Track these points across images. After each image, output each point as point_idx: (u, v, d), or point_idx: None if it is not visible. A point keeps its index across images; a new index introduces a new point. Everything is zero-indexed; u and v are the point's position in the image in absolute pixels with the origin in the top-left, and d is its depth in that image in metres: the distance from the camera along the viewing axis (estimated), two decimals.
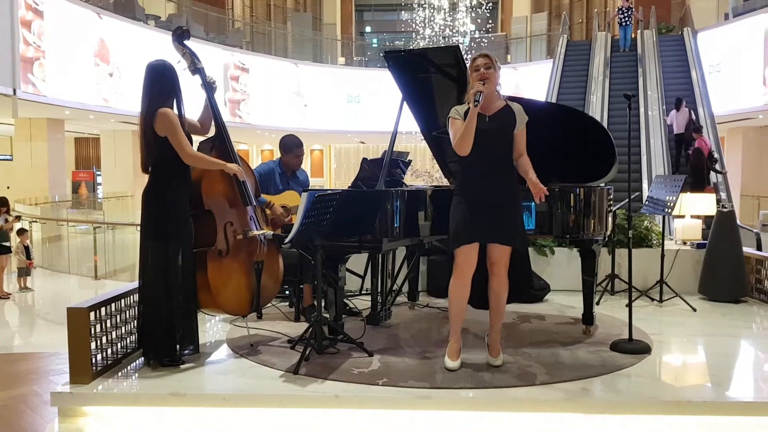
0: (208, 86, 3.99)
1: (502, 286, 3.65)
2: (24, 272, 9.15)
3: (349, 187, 4.81)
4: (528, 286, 5.46)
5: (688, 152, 10.79)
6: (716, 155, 10.73)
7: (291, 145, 5.01)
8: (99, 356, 3.58)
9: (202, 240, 3.86)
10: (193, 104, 4.05)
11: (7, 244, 8.84)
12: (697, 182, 10.10)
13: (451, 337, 3.68)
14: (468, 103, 3.54)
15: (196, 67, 3.99)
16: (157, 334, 3.68)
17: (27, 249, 9.27)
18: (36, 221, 11.73)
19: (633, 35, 15.96)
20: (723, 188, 10.42)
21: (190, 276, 3.76)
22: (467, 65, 4.15)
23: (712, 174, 10.59)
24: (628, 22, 15.72)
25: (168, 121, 3.62)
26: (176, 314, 3.69)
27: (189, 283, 3.75)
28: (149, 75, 3.74)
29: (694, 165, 10.41)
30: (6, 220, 8.86)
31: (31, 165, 15.23)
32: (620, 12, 15.86)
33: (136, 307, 3.83)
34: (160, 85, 3.72)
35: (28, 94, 12.30)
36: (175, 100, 3.75)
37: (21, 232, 9.35)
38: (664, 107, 12.50)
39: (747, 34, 15.03)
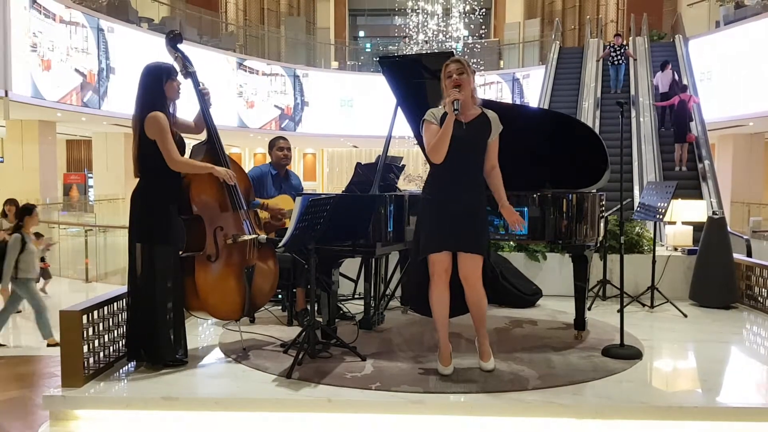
0: (199, 90, 3.99)
1: (479, 296, 3.64)
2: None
3: (343, 191, 4.82)
4: (518, 291, 5.49)
5: (673, 109, 11.84)
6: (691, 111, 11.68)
7: (275, 140, 5.17)
8: (91, 359, 3.57)
9: (192, 244, 3.86)
10: (191, 104, 4.05)
11: None
12: (681, 131, 11.22)
13: (439, 343, 3.68)
14: (444, 107, 3.53)
15: (188, 71, 3.98)
16: (151, 336, 3.67)
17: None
18: None
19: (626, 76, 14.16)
20: (713, 194, 10.50)
21: (178, 279, 3.75)
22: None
23: (692, 125, 11.62)
24: (620, 61, 13.90)
25: (157, 125, 3.62)
26: (165, 316, 3.68)
27: (177, 286, 3.74)
28: (144, 77, 3.74)
29: (678, 114, 11.40)
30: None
31: (22, 167, 15.15)
32: (611, 49, 14.03)
33: (125, 311, 3.82)
34: (154, 87, 3.72)
35: (19, 95, 12.26)
36: (168, 104, 3.75)
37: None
38: (656, 113, 12.60)
39: (738, 42, 15.14)
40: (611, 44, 14.20)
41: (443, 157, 3.49)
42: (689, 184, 10.71)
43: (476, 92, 3.66)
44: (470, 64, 3.64)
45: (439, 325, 3.66)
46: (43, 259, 9.08)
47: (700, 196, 10.34)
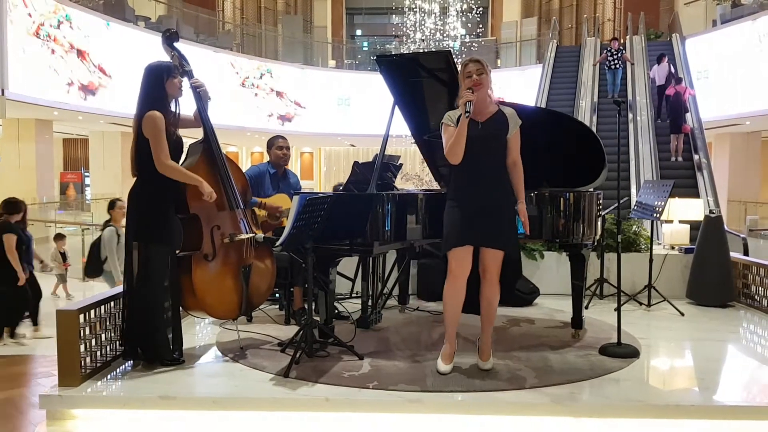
0: (195, 88, 3.98)
1: (493, 292, 3.67)
2: (62, 279, 8.77)
3: (340, 189, 4.82)
4: (516, 290, 5.50)
5: (669, 100, 12.06)
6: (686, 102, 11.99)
7: (273, 139, 5.14)
8: (88, 359, 3.56)
9: (189, 244, 3.85)
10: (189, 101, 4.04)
11: None
12: (676, 122, 11.58)
13: (445, 341, 3.69)
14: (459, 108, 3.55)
15: (184, 70, 3.97)
16: (148, 336, 3.67)
17: (63, 255, 8.83)
18: None
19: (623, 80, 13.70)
20: (710, 193, 10.53)
21: (175, 279, 3.74)
22: (458, 70, 4.17)
23: (687, 116, 11.91)
24: (617, 65, 13.32)
25: (153, 125, 3.61)
26: (162, 315, 3.67)
27: (174, 285, 3.74)
28: (146, 77, 3.74)
29: (673, 105, 11.73)
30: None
31: (18, 166, 15.12)
32: (608, 53, 13.42)
33: (122, 310, 3.81)
34: (156, 86, 3.72)
35: (16, 94, 12.23)
36: (170, 102, 3.75)
37: (58, 237, 8.94)
38: (653, 112, 12.62)
39: (735, 41, 15.17)
40: (608, 48, 13.63)
41: (460, 158, 3.51)
42: (685, 174, 11.01)
43: (492, 90, 3.65)
44: (487, 63, 3.63)
45: (448, 322, 3.67)
46: (65, 258, 8.88)
47: (695, 186, 10.62)
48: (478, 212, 3.54)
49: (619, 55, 13.37)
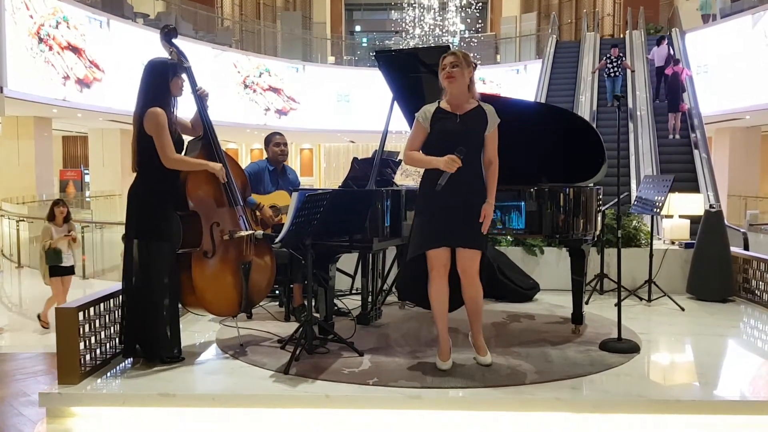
0: (194, 84, 3.97)
1: (476, 290, 3.62)
2: None
3: (339, 186, 4.81)
4: (515, 285, 5.50)
5: (666, 81, 12.69)
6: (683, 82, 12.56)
7: (271, 135, 5.14)
8: (87, 356, 3.56)
9: (188, 241, 3.84)
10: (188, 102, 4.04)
11: (65, 264, 7.12)
12: (674, 101, 12.10)
13: (439, 338, 3.68)
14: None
15: (183, 66, 3.96)
16: (148, 333, 3.66)
17: None
18: (23, 220, 11.63)
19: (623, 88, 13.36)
20: (710, 187, 10.53)
21: (175, 276, 3.74)
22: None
23: (685, 95, 12.47)
24: (617, 73, 13.04)
25: (156, 121, 3.60)
26: (162, 313, 3.67)
27: (173, 283, 3.73)
28: (148, 73, 3.73)
29: (670, 85, 12.30)
30: (69, 232, 7.10)
31: (18, 163, 15.12)
32: (608, 60, 13.12)
33: (121, 308, 3.80)
34: (159, 83, 3.71)
35: (15, 91, 12.22)
36: (170, 99, 3.74)
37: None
38: (652, 106, 12.63)
39: (734, 35, 15.14)
40: (608, 56, 13.29)
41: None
42: (682, 150, 11.52)
43: (474, 85, 3.61)
44: (469, 56, 3.59)
45: (438, 319, 3.65)
46: None
47: (692, 161, 11.00)
48: (451, 209, 3.51)
49: (619, 62, 13.12)
